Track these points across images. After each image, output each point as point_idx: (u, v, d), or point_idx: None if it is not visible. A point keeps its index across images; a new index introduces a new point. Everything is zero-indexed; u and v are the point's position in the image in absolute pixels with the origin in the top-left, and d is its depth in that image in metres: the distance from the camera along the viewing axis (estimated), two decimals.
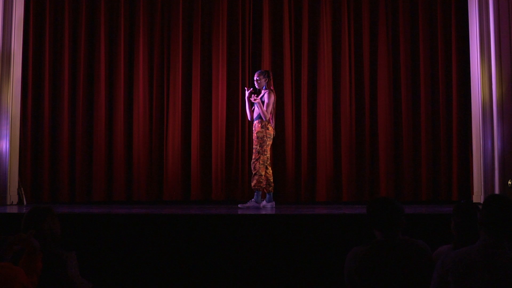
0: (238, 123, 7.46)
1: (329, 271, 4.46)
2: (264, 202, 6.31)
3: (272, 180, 6.40)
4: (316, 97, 7.50)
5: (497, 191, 6.67)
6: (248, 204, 6.29)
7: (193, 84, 7.51)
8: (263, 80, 6.38)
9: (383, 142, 7.38)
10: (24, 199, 6.97)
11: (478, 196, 7.01)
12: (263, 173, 6.27)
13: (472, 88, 7.19)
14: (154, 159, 7.43)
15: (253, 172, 6.31)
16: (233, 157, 7.43)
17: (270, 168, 6.42)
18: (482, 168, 6.94)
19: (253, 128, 6.41)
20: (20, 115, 7.20)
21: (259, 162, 6.25)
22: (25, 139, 7.27)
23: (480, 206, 2.56)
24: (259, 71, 6.55)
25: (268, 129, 6.29)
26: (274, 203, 6.36)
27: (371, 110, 7.47)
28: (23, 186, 7.06)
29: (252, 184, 6.34)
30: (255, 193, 6.34)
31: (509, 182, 6.59)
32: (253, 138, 6.40)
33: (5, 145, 6.89)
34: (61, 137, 7.35)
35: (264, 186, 6.30)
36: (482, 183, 6.91)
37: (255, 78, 6.47)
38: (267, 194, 6.39)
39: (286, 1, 7.55)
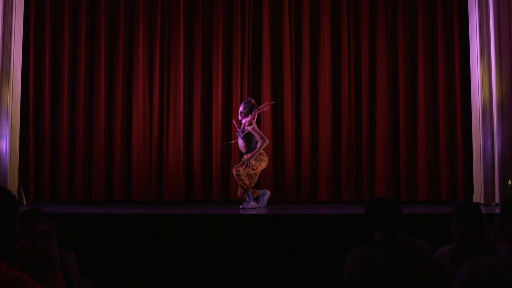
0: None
1: (329, 271, 4.46)
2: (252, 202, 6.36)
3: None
4: (316, 97, 7.50)
5: (497, 191, 6.68)
6: (247, 205, 6.28)
7: (193, 84, 7.51)
8: (247, 111, 6.47)
9: (382, 142, 7.38)
10: (24, 199, 6.96)
11: (478, 196, 7.00)
12: (245, 179, 6.31)
13: (472, 88, 7.19)
14: (154, 159, 7.42)
15: (236, 178, 6.34)
16: (234, 158, 7.41)
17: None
18: (482, 168, 6.94)
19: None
20: (20, 115, 7.20)
21: (244, 174, 6.28)
22: (25, 139, 7.26)
23: (482, 207, 2.54)
24: (245, 102, 6.60)
25: (262, 161, 6.39)
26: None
27: (371, 110, 7.48)
28: (23, 186, 7.06)
29: (238, 193, 6.46)
30: (245, 195, 6.35)
31: (509, 182, 6.59)
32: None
33: (5, 145, 6.89)
34: (61, 137, 7.34)
35: (248, 186, 6.34)
36: (482, 183, 6.91)
37: (240, 110, 6.54)
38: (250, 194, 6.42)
39: (286, 1, 7.55)
